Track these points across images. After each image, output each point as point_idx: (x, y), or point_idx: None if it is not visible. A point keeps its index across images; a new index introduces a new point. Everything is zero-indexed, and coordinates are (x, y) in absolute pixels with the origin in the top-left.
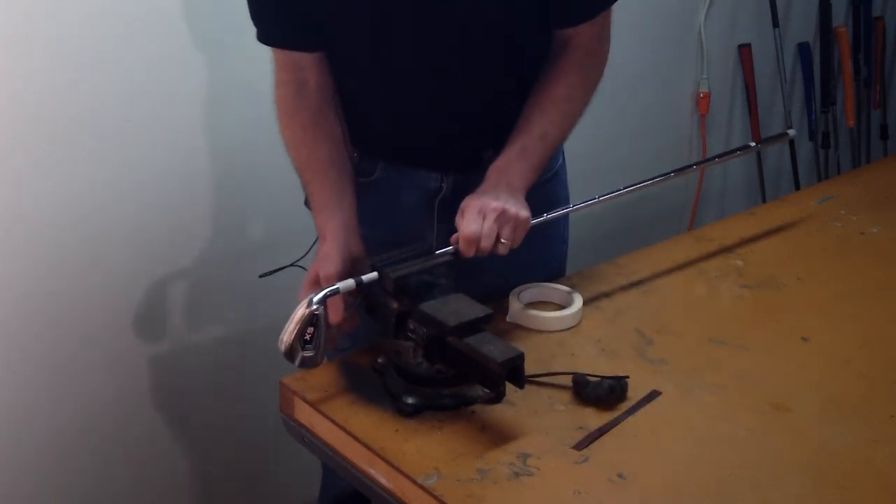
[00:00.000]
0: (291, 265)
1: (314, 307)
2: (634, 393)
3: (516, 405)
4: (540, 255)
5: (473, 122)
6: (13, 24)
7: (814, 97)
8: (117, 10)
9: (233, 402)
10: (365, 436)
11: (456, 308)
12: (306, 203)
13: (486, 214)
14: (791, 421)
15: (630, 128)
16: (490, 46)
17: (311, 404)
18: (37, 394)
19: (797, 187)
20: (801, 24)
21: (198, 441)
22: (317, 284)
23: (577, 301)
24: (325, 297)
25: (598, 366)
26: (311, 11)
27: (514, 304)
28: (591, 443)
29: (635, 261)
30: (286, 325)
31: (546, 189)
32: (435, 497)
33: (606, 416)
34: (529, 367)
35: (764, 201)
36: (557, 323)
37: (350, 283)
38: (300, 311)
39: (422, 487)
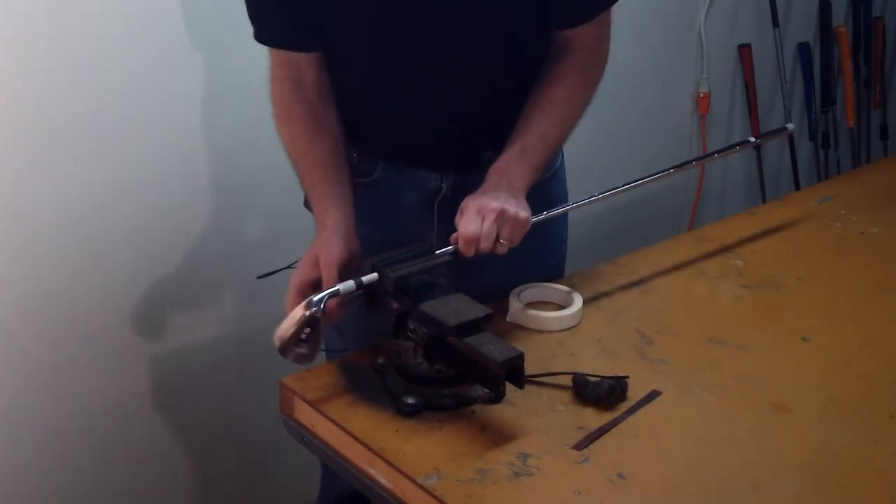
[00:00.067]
0: (289, 267)
1: (314, 309)
2: (634, 393)
3: (516, 405)
4: (539, 255)
5: (473, 122)
6: (13, 24)
7: (814, 97)
8: (117, 10)
9: (233, 402)
10: (365, 436)
11: (456, 308)
12: (306, 204)
13: (486, 215)
14: (791, 421)
15: (630, 128)
16: (490, 46)
17: (311, 404)
18: (37, 394)
19: (797, 187)
20: (801, 24)
21: (198, 441)
22: (315, 267)
23: (577, 301)
24: (325, 298)
25: (598, 366)
26: (310, 12)
27: (514, 304)
28: (591, 443)
29: (635, 261)
30: (283, 322)
31: (545, 188)
32: (435, 497)
33: (606, 416)
34: (529, 367)
35: (764, 201)
36: (557, 323)
37: (350, 284)
38: (299, 312)
39: (422, 487)
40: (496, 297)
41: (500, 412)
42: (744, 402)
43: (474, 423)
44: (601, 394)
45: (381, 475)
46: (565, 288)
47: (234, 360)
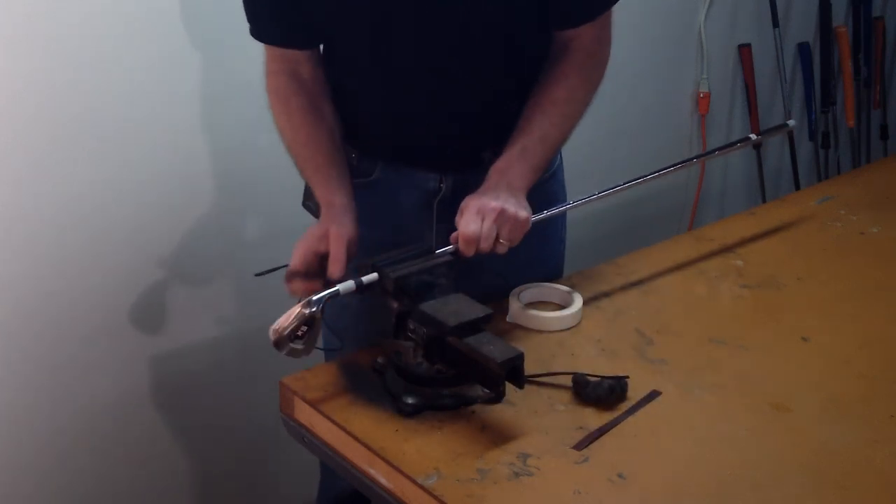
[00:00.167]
0: (286, 266)
1: (313, 309)
2: (634, 393)
3: (516, 405)
4: (539, 255)
5: (473, 122)
6: (13, 24)
7: (814, 97)
8: (117, 10)
9: (233, 402)
10: (365, 436)
11: (456, 308)
12: (305, 204)
13: (486, 215)
14: (791, 421)
15: (630, 128)
16: (490, 46)
17: (311, 404)
18: (37, 394)
19: (797, 187)
20: (801, 24)
21: (198, 441)
22: (323, 240)
23: (577, 301)
24: (325, 298)
25: (598, 366)
26: (310, 12)
27: (514, 304)
28: (591, 443)
29: (635, 261)
30: (282, 318)
31: (544, 188)
32: (435, 497)
33: (606, 416)
34: (529, 367)
35: (764, 201)
36: (557, 323)
37: (350, 284)
38: (298, 310)
39: (422, 487)
40: (496, 297)
41: (500, 412)
42: (744, 402)
43: (474, 423)
44: (601, 394)
45: (381, 475)
46: (565, 288)
47: (234, 360)
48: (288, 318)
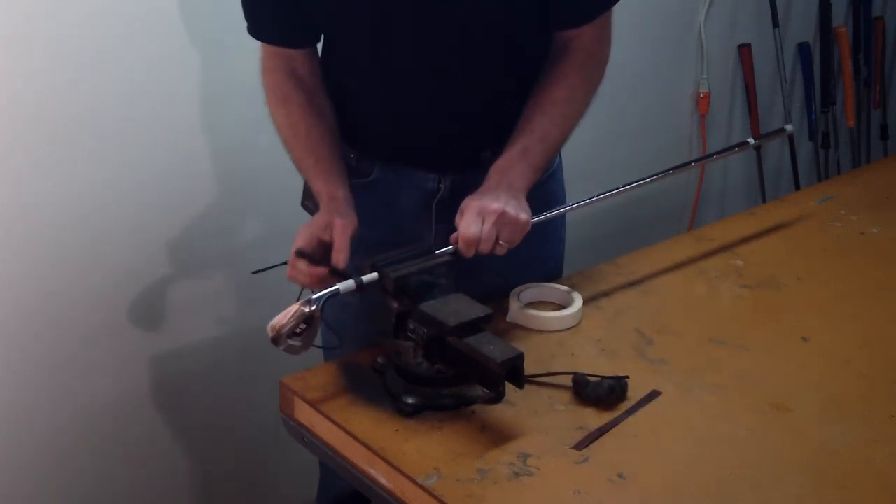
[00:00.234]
0: (284, 263)
1: (312, 308)
2: (634, 393)
3: (516, 405)
4: (539, 255)
5: (473, 122)
6: (13, 24)
7: (814, 97)
8: (117, 10)
9: (233, 402)
10: (365, 436)
11: (456, 308)
12: (304, 204)
13: (486, 217)
14: (791, 421)
15: (630, 128)
16: (490, 46)
17: (311, 404)
18: (37, 394)
19: (797, 187)
20: (801, 24)
21: (198, 441)
22: (327, 229)
23: (577, 301)
24: (325, 298)
25: (598, 366)
26: (310, 12)
27: (514, 304)
28: (591, 443)
29: (635, 261)
30: (281, 314)
31: (544, 189)
32: (435, 497)
33: (606, 416)
34: (529, 367)
35: (764, 201)
36: (557, 323)
37: (350, 283)
38: (297, 308)
39: (422, 487)
40: (496, 297)
41: (500, 412)
42: (744, 402)
43: (474, 423)
44: (601, 394)
45: (381, 475)
46: (565, 288)
47: (234, 360)
48: (287, 316)
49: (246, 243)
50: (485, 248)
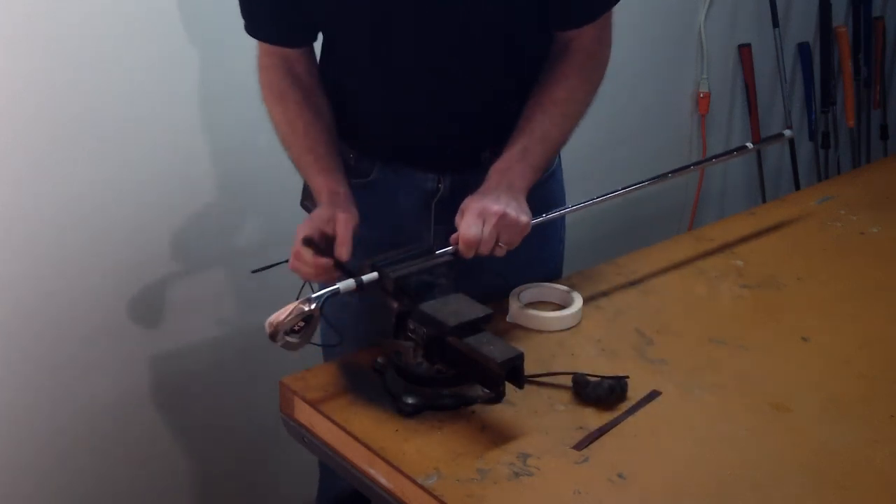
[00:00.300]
0: (284, 262)
1: (312, 306)
2: (634, 393)
3: (516, 405)
4: (539, 255)
5: (473, 122)
6: (13, 24)
7: (814, 97)
8: (117, 10)
9: (233, 402)
10: (365, 436)
11: (456, 308)
12: (303, 204)
13: (487, 218)
14: (791, 421)
15: (630, 128)
16: (490, 46)
17: (311, 404)
18: (37, 394)
19: (797, 187)
20: (801, 24)
21: (198, 441)
22: (330, 223)
23: (577, 301)
24: (325, 297)
25: (598, 366)
26: (309, 11)
27: (514, 304)
28: (591, 443)
29: (635, 261)
30: (280, 311)
31: (543, 189)
32: (435, 497)
33: (606, 416)
34: (529, 367)
35: (764, 201)
36: (557, 323)
37: (350, 283)
38: (297, 305)
39: (422, 487)
40: (496, 297)
41: (500, 412)
42: (744, 402)
43: (474, 423)
44: (601, 394)
45: (381, 475)
46: (565, 288)
47: (234, 360)
48: (286, 312)
49: (246, 243)
50: (485, 249)
